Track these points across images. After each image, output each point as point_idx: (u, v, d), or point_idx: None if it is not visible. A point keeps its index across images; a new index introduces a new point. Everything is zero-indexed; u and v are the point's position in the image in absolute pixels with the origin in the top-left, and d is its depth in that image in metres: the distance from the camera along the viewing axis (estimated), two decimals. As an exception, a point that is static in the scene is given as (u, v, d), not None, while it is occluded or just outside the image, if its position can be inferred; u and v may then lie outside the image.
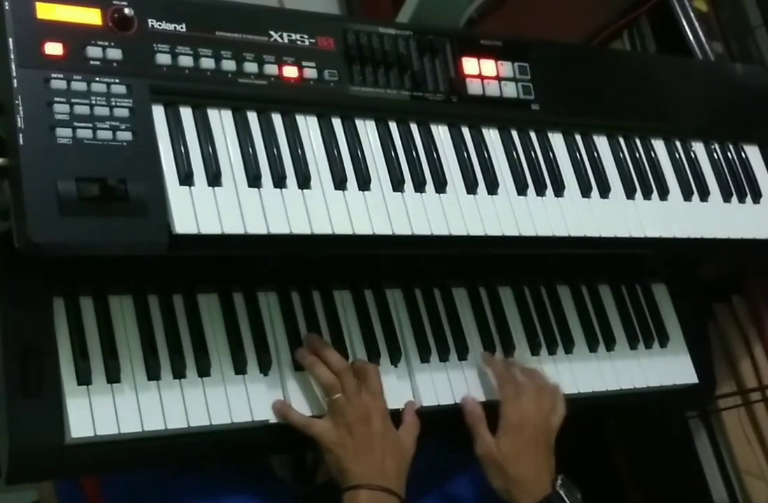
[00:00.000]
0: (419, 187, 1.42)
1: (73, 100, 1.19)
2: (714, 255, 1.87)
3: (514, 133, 1.54)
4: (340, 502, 1.40)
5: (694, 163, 1.68)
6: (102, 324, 1.36)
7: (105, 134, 1.20)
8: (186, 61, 1.29)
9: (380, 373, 1.48)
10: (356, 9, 2.66)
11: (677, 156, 1.68)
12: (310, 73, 1.38)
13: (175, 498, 1.48)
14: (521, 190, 1.50)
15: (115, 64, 1.24)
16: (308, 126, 1.38)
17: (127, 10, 1.26)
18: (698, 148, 1.71)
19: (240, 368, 1.42)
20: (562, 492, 1.46)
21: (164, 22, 1.29)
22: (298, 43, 1.38)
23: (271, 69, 1.35)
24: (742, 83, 1.82)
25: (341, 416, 1.41)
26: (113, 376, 1.33)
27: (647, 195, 1.61)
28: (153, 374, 1.36)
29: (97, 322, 1.36)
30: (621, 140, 1.64)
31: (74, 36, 1.23)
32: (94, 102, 1.21)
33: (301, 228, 1.30)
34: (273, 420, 1.42)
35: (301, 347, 1.47)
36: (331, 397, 1.42)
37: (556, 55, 1.63)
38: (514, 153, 1.52)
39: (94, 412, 1.30)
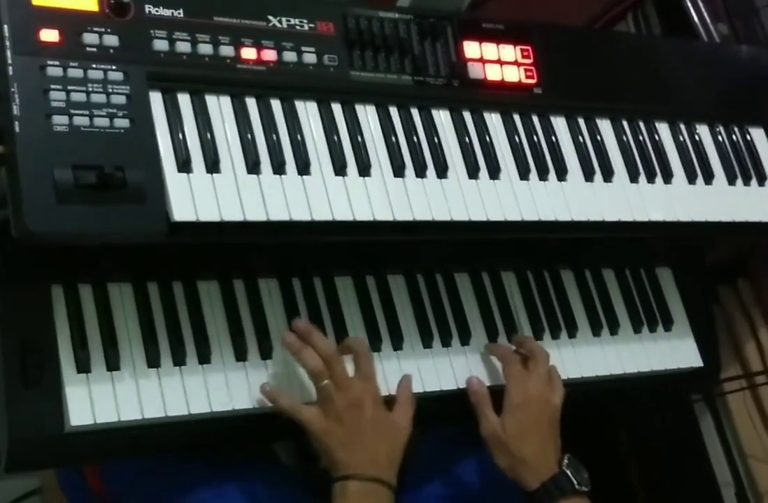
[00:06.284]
0: (420, 172, 1.41)
1: (69, 87, 1.19)
2: (719, 239, 1.86)
3: (516, 117, 1.53)
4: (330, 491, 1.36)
5: (698, 146, 1.67)
6: (101, 311, 1.35)
7: (102, 121, 1.19)
8: (183, 47, 1.28)
9: (382, 359, 1.48)
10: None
11: (681, 139, 1.67)
12: (310, 58, 1.36)
13: (178, 485, 1.48)
14: (523, 174, 1.49)
15: (111, 51, 1.23)
16: (308, 111, 1.37)
17: (123, -4, 1.25)
18: (703, 131, 1.70)
19: (241, 355, 1.41)
20: (569, 472, 1.45)
21: (161, 7, 1.28)
22: (297, 27, 1.37)
23: (269, 54, 1.34)
24: (747, 65, 1.81)
25: (331, 403, 1.36)
26: (113, 364, 1.33)
27: (651, 178, 1.60)
28: (153, 361, 1.35)
29: (97, 310, 1.35)
30: (624, 123, 1.62)
31: (70, 22, 1.21)
32: (90, 89, 1.20)
33: (301, 214, 1.29)
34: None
35: (288, 332, 1.42)
36: (319, 384, 1.37)
37: (559, 37, 1.61)
38: (516, 137, 1.51)
39: (94, 400, 1.30)
